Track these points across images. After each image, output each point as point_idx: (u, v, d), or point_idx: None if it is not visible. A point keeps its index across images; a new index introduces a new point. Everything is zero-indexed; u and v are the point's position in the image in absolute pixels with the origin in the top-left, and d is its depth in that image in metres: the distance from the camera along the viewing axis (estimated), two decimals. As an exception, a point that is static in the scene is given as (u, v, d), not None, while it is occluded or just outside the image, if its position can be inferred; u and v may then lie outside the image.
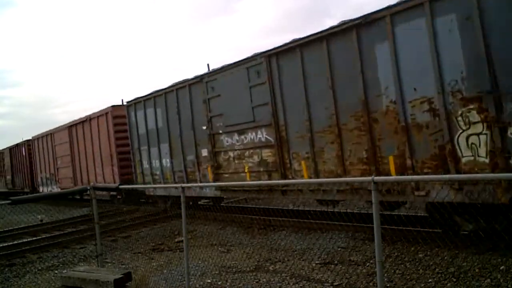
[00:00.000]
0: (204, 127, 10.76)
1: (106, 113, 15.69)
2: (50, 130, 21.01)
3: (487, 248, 5.86)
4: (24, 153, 25.09)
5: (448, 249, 6.02)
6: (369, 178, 3.47)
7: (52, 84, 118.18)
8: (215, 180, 10.57)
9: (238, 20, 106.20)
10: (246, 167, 9.78)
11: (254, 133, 9.46)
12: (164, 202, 13.18)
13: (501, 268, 5.30)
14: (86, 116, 17.28)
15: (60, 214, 16.19)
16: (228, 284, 6.05)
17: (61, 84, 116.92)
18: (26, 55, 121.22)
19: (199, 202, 13.12)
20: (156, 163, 12.98)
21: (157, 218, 12.33)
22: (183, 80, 11.50)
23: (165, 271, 7.01)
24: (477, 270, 5.36)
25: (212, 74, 10.46)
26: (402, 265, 5.99)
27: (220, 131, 10.35)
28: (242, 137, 9.79)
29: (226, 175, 10.33)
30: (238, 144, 9.93)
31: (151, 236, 10.27)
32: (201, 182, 11.09)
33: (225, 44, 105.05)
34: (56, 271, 7.93)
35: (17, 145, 26.33)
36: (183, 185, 5.75)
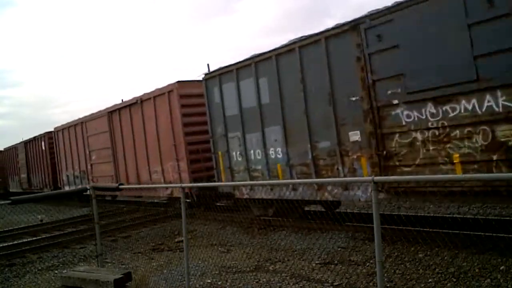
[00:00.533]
0: (354, 98, 7.57)
1: (169, 92, 12.17)
2: (81, 119, 17.55)
3: (487, 248, 5.86)
4: (43, 147, 21.68)
5: (448, 249, 6.02)
6: (369, 178, 3.47)
7: (52, 84, 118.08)
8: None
9: (238, 20, 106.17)
10: (456, 156, 6.33)
11: (475, 100, 6.06)
12: (263, 209, 9.97)
13: (501, 268, 5.29)
14: (136, 98, 13.71)
15: (60, 214, 16.18)
16: (228, 284, 6.05)
17: (61, 84, 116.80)
18: (26, 55, 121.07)
19: (335, 210, 9.57)
20: (256, 154, 9.67)
21: (157, 218, 12.33)
22: (311, 34, 8.30)
23: (165, 271, 7.02)
24: (477, 270, 5.35)
25: (380, 14, 7.07)
26: (402, 265, 5.98)
27: (395, 102, 6.94)
28: (446, 107, 6.36)
29: (407, 169, 6.92)
30: (434, 119, 6.51)
31: (151, 236, 10.27)
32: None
33: (225, 44, 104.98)
34: (56, 271, 7.94)
35: (34, 138, 22.65)
36: (183, 185, 5.75)
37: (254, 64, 9.46)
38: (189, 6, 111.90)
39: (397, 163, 7.10)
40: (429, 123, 6.61)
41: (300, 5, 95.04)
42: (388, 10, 6.98)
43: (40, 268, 8.38)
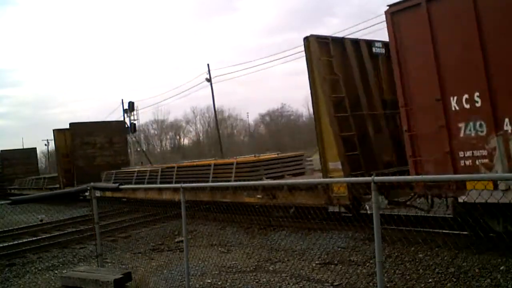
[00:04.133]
0: None
1: None
2: None
3: (487, 248, 5.86)
4: None
5: (448, 249, 6.02)
6: (369, 178, 3.46)
7: (52, 84, 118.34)
8: None
9: (240, 19, 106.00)
10: None
11: None
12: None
13: (501, 268, 5.30)
14: None
15: (60, 214, 16.18)
16: (228, 284, 6.05)
17: (61, 83, 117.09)
18: (26, 55, 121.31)
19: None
20: None
21: (157, 218, 12.32)
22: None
23: (165, 271, 7.01)
24: (477, 270, 5.35)
25: None
26: (402, 265, 5.98)
27: None
28: None
29: None
30: None
31: (151, 236, 10.27)
32: None
33: (226, 43, 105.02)
34: (56, 271, 7.93)
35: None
36: (183, 185, 5.58)
37: None
38: (190, 4, 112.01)
39: None
40: None
41: (302, 3, 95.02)
42: None
43: (40, 268, 8.37)
